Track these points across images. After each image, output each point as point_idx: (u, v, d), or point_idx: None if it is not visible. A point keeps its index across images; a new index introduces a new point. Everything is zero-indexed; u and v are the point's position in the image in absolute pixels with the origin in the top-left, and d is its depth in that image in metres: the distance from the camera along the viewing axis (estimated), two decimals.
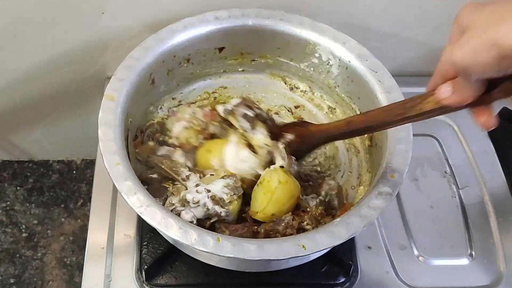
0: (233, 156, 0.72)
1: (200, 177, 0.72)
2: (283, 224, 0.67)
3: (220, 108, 0.77)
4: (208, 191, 0.67)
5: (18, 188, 1.33)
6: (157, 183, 0.72)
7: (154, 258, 0.75)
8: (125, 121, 0.71)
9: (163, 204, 0.69)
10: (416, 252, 0.81)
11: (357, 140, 0.83)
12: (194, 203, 0.67)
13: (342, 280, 0.77)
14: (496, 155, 0.92)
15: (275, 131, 0.76)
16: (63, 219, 1.29)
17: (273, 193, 0.68)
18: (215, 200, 0.67)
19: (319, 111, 0.87)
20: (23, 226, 1.27)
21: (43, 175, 1.35)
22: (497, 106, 0.49)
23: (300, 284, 0.77)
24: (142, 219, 0.61)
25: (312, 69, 0.85)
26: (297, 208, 0.71)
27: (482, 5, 0.46)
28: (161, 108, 0.84)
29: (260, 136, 0.74)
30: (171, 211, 0.66)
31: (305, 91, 0.88)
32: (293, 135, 0.74)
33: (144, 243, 0.76)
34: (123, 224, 0.80)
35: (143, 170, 0.74)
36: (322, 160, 0.81)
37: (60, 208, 1.31)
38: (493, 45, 0.42)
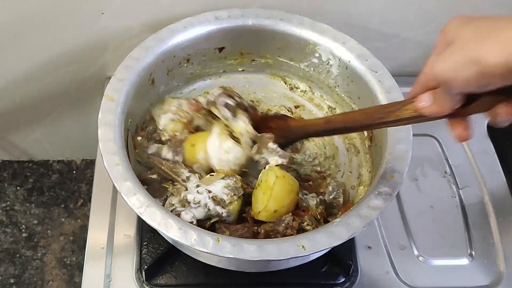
0: (217, 148, 0.73)
1: (199, 177, 0.72)
2: (283, 225, 0.67)
3: (202, 99, 0.78)
4: (209, 191, 0.67)
5: (18, 188, 1.33)
6: (157, 183, 0.73)
7: (154, 258, 0.75)
8: (125, 121, 0.71)
9: (163, 205, 0.69)
10: (416, 252, 0.81)
11: (357, 140, 0.83)
12: (195, 204, 0.66)
13: (342, 280, 0.77)
14: (496, 155, 0.92)
15: (257, 121, 0.76)
16: (63, 219, 1.29)
17: (272, 189, 0.68)
18: (216, 200, 0.67)
19: (319, 111, 0.87)
20: (23, 226, 1.27)
21: (43, 175, 1.35)
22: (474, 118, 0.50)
23: (300, 284, 0.77)
24: (142, 219, 0.61)
25: (312, 69, 0.85)
26: (297, 208, 0.71)
27: (469, 19, 0.47)
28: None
29: (242, 124, 0.75)
30: (171, 211, 0.66)
31: (305, 91, 0.88)
32: (273, 128, 0.75)
33: (144, 243, 0.76)
34: (123, 224, 0.80)
35: (142, 171, 0.74)
36: (322, 160, 0.81)
37: (60, 208, 1.31)
38: (474, 62, 0.42)
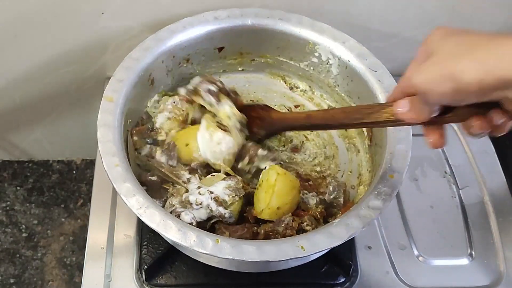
0: (208, 141, 0.73)
1: (199, 178, 0.72)
2: (283, 225, 0.67)
3: (181, 90, 0.79)
4: (211, 192, 0.67)
5: (18, 188, 1.33)
6: (157, 185, 0.72)
7: (154, 258, 0.75)
8: (124, 122, 0.71)
9: (163, 206, 0.69)
10: (416, 252, 0.81)
11: (357, 139, 0.83)
12: (197, 205, 0.66)
13: (342, 280, 0.77)
14: (496, 155, 0.92)
15: (240, 109, 0.77)
16: (63, 219, 1.29)
17: (274, 186, 0.68)
18: (219, 201, 0.67)
19: None
20: (23, 226, 1.27)
21: (43, 175, 1.35)
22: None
23: (300, 284, 0.77)
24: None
25: (311, 68, 0.85)
26: (297, 208, 0.71)
27: (451, 33, 0.48)
28: None
29: (227, 107, 0.76)
30: (171, 212, 0.66)
31: (305, 90, 0.88)
32: (255, 118, 0.77)
33: (144, 243, 0.76)
34: (123, 224, 0.80)
35: (141, 172, 0.74)
36: (322, 159, 0.81)
37: (60, 208, 1.31)
38: (450, 78, 0.44)
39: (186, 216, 0.65)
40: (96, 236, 0.79)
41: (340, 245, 0.61)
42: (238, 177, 0.71)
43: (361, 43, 0.79)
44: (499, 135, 0.49)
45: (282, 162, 0.78)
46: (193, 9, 0.82)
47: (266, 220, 0.69)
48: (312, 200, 0.73)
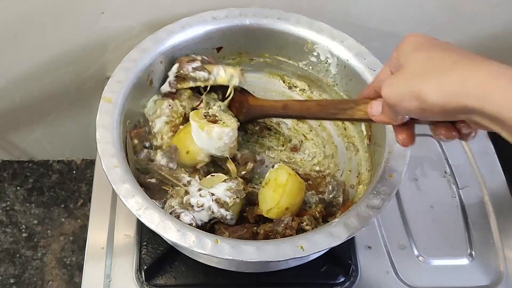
0: (208, 141, 0.72)
1: (200, 178, 0.72)
2: (282, 225, 0.67)
3: (165, 88, 0.78)
4: (212, 194, 0.67)
5: (18, 188, 1.33)
6: (156, 187, 0.72)
7: (154, 258, 0.75)
8: (123, 123, 0.70)
9: (163, 207, 0.69)
10: (416, 252, 0.81)
11: (356, 138, 0.82)
12: (198, 207, 0.66)
13: (342, 280, 0.77)
14: (496, 155, 0.92)
15: None
16: (63, 219, 1.29)
17: (285, 186, 0.68)
18: (220, 203, 0.67)
19: None
20: (23, 226, 1.28)
21: (43, 175, 1.35)
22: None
23: (300, 284, 0.77)
24: None
25: (310, 67, 0.85)
26: None
27: (422, 45, 0.48)
28: None
29: (222, 72, 0.76)
30: (171, 213, 0.66)
31: (304, 89, 0.88)
32: (235, 101, 0.78)
33: (144, 244, 0.76)
34: (123, 224, 0.80)
35: (140, 174, 0.74)
36: (321, 159, 0.81)
37: (60, 208, 1.31)
38: (416, 97, 0.44)
39: (186, 217, 0.65)
40: (96, 236, 0.79)
41: (339, 244, 0.60)
42: (239, 179, 0.71)
43: (361, 43, 0.79)
44: (468, 141, 0.50)
45: (282, 162, 0.78)
46: (193, 9, 0.82)
47: (266, 220, 0.69)
48: (311, 199, 0.73)
